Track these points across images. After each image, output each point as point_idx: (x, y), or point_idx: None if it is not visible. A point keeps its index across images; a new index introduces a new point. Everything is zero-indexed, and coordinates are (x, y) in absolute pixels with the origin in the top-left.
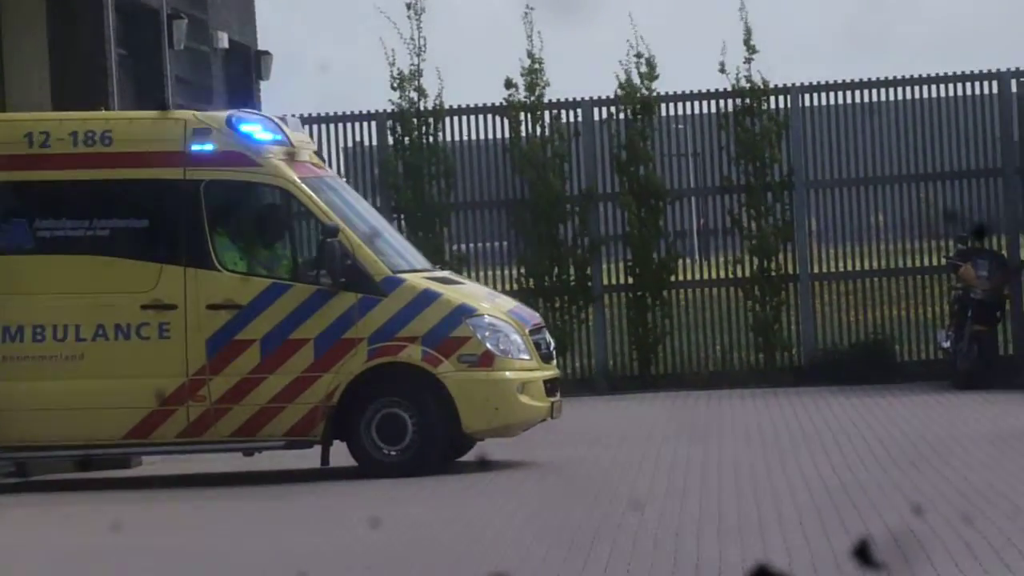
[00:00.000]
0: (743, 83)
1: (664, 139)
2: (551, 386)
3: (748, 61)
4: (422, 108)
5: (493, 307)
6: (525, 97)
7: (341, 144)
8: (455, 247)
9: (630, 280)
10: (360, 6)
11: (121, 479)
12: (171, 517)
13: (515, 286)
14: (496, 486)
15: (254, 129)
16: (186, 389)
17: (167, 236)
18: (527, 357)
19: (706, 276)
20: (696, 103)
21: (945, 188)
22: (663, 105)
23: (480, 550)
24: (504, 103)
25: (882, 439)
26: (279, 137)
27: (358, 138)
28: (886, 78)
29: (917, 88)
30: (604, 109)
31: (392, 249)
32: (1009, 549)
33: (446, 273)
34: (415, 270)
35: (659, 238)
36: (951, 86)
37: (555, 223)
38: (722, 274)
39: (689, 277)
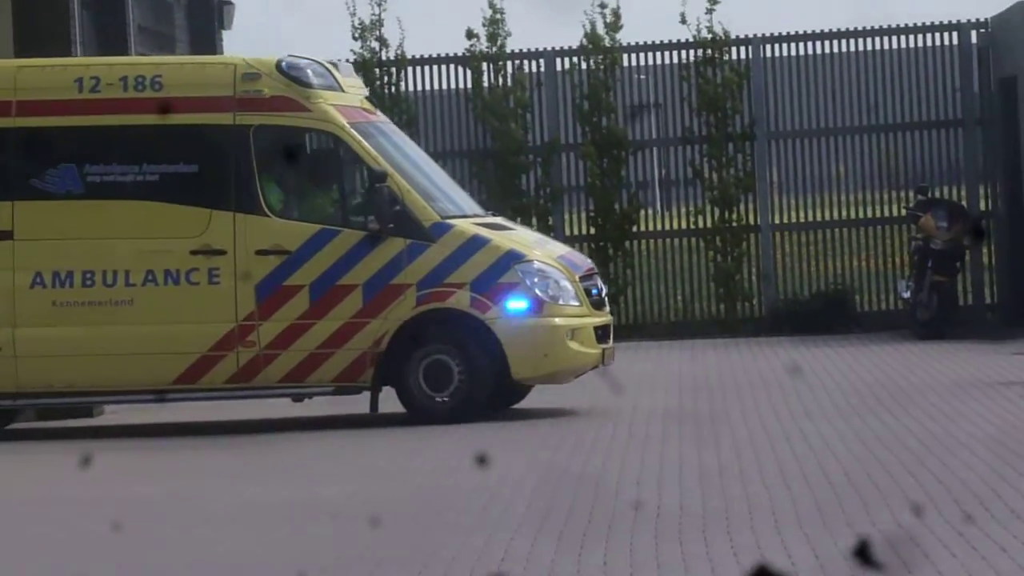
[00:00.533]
0: (704, 34)
1: (627, 89)
2: (602, 332)
3: (710, 12)
4: (384, 58)
5: (543, 253)
6: (487, 47)
7: None
8: None
9: (592, 231)
10: None
11: (86, 428)
12: (135, 467)
13: None
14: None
15: (304, 74)
16: (235, 334)
17: (216, 181)
18: (577, 303)
19: (668, 227)
20: (658, 54)
21: (905, 139)
22: (625, 56)
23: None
24: (466, 53)
25: (842, 388)
26: (329, 82)
27: None
28: (846, 29)
29: (878, 39)
30: (567, 59)
31: (442, 194)
32: (961, 489)
33: (497, 219)
34: (465, 216)
35: (621, 189)
36: (912, 37)
37: (517, 173)
38: (684, 225)
39: (651, 228)
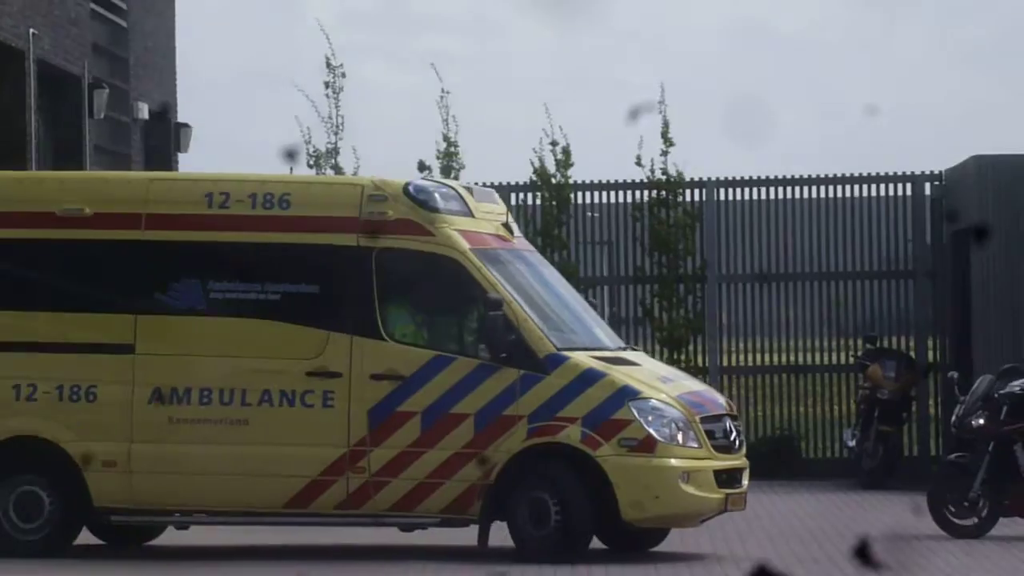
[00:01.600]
0: (659, 175)
1: (579, 227)
2: (727, 477)
3: (664, 154)
4: None
5: (662, 390)
6: (441, 176)
7: None
8: None
9: None
10: (279, 84)
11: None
12: None
13: None
14: None
15: (430, 197)
16: (346, 460)
17: (336, 303)
18: (695, 445)
19: None
20: (611, 193)
21: (856, 287)
22: (578, 193)
23: None
24: None
25: (784, 533)
26: (458, 206)
27: None
28: (801, 176)
29: (832, 187)
30: (520, 194)
31: (566, 325)
32: None
33: (631, 353)
34: (587, 348)
35: None
36: (867, 186)
37: None
38: None
39: None
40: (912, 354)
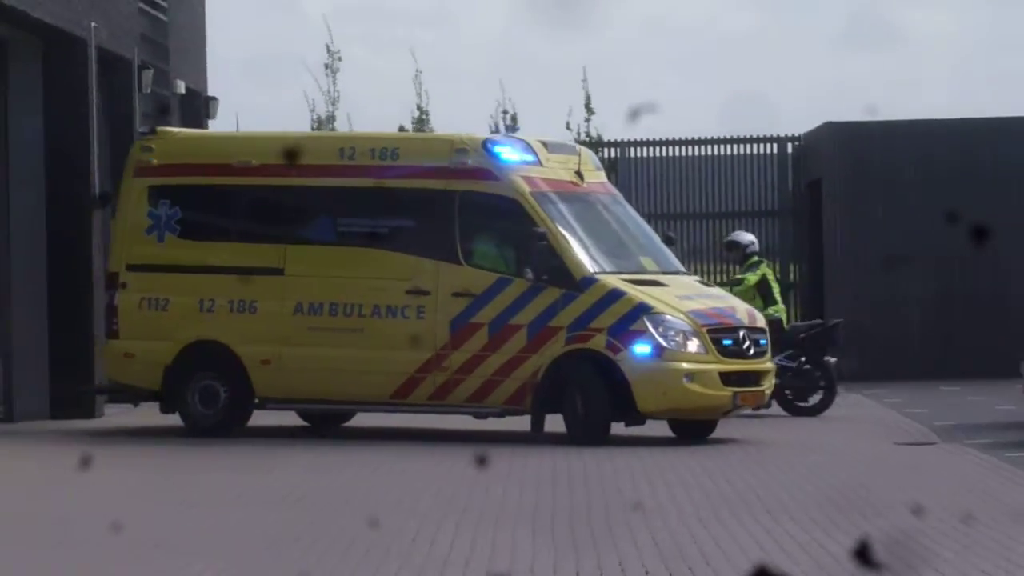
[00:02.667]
0: (583, 137)
1: None
2: (737, 378)
3: (587, 120)
4: None
5: (672, 306)
6: None
7: None
8: None
9: None
10: (287, 65)
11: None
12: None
13: None
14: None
15: (504, 151)
16: (433, 361)
17: (428, 235)
18: (700, 351)
19: None
20: None
21: (736, 224)
22: None
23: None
24: None
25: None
26: (528, 157)
27: None
28: (694, 137)
29: (718, 146)
30: None
31: (611, 253)
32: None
33: (668, 276)
34: (624, 272)
35: None
36: (744, 146)
37: None
38: None
39: None
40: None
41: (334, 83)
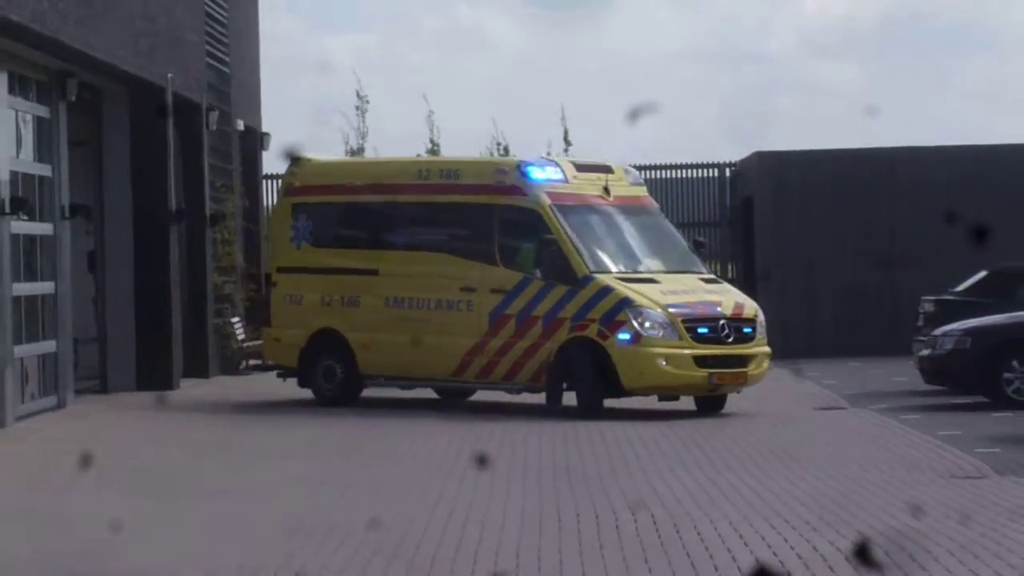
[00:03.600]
0: None
1: None
2: (713, 361)
3: (566, 151)
4: None
5: (652, 301)
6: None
7: None
8: None
9: None
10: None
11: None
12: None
13: None
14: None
15: (534, 171)
16: (478, 346)
17: (475, 241)
18: (673, 337)
19: None
20: None
21: (691, 232)
22: None
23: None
24: None
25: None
26: (555, 176)
27: None
28: (656, 163)
29: (674, 171)
30: None
31: (616, 256)
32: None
33: (665, 275)
34: (621, 272)
35: None
36: (694, 170)
37: None
38: None
39: None
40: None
41: (363, 121)
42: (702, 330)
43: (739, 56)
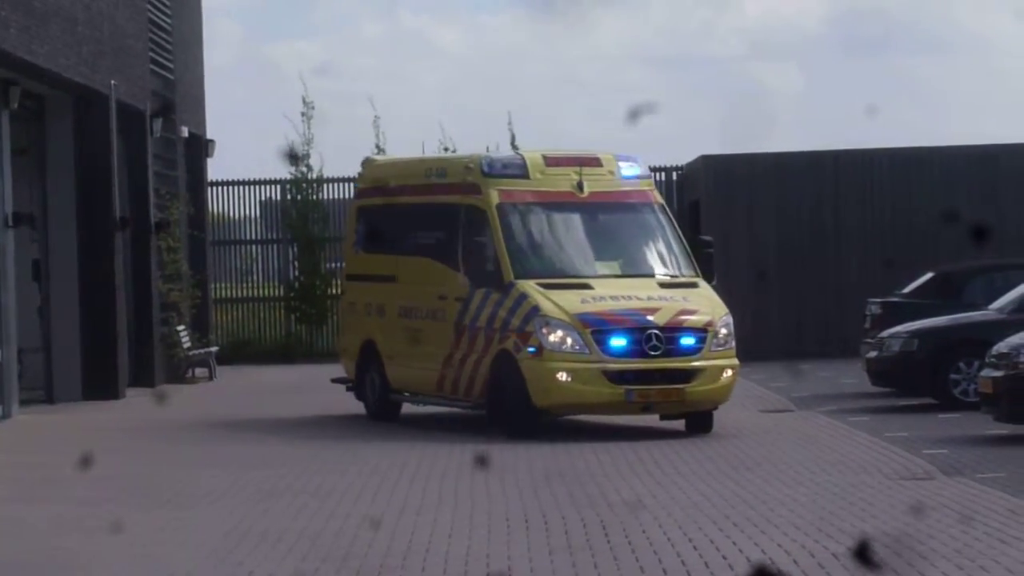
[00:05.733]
0: None
1: None
2: (634, 376)
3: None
4: (309, 178)
5: (561, 308)
6: None
7: (260, 198)
8: (328, 264)
9: None
10: (272, 110)
11: None
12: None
13: None
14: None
15: (488, 166)
16: (447, 359)
17: (448, 245)
18: (579, 350)
19: None
20: None
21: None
22: None
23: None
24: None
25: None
26: (514, 171)
27: (270, 194)
28: None
29: None
30: None
31: (558, 259)
32: None
33: (601, 280)
34: (556, 276)
35: None
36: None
37: None
38: None
39: None
40: None
41: (309, 128)
42: (617, 342)
43: (686, 60)
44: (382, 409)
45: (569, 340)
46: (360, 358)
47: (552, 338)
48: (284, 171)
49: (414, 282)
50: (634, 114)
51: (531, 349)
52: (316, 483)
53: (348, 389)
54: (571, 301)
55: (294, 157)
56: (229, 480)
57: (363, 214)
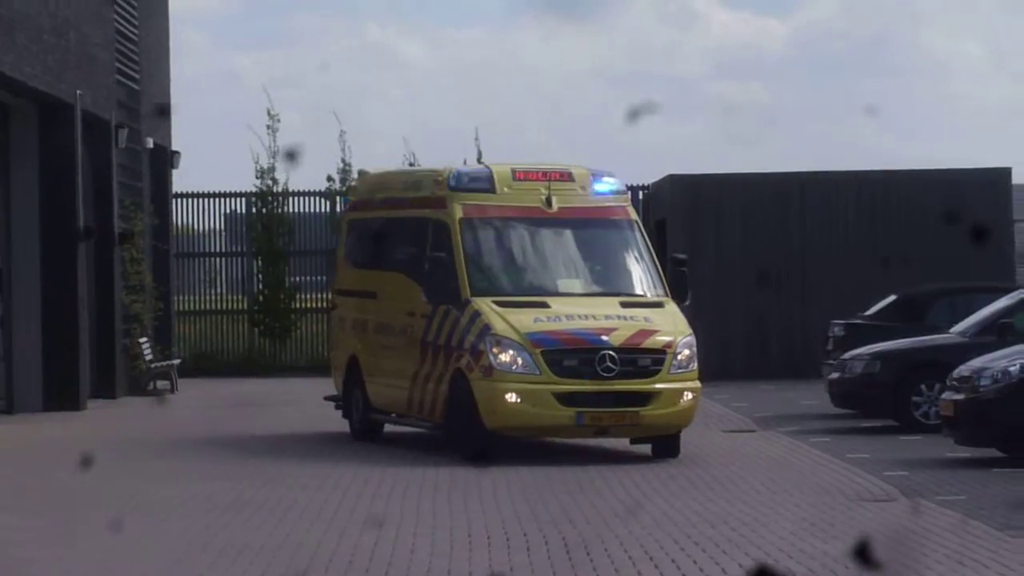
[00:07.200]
0: None
1: None
2: (584, 398)
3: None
4: (275, 191)
5: (512, 327)
6: (340, 187)
7: (224, 211)
8: (292, 277)
9: None
10: (236, 122)
11: None
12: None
13: (328, 305)
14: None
15: (457, 180)
16: (414, 378)
17: (416, 259)
18: (531, 371)
19: None
20: None
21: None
22: None
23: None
24: (327, 190)
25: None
26: (480, 185)
27: (235, 207)
28: None
29: None
30: None
31: (509, 276)
32: None
33: (558, 299)
34: (498, 294)
35: None
36: None
37: None
38: None
39: None
40: None
41: (274, 140)
42: (568, 363)
43: (648, 77)
44: (364, 428)
45: (519, 360)
46: (347, 375)
47: (502, 358)
48: (249, 183)
49: (390, 298)
50: (634, 114)
51: (482, 369)
52: (277, 497)
53: (337, 407)
54: (524, 320)
55: (292, 156)
56: (189, 493)
57: (353, 227)
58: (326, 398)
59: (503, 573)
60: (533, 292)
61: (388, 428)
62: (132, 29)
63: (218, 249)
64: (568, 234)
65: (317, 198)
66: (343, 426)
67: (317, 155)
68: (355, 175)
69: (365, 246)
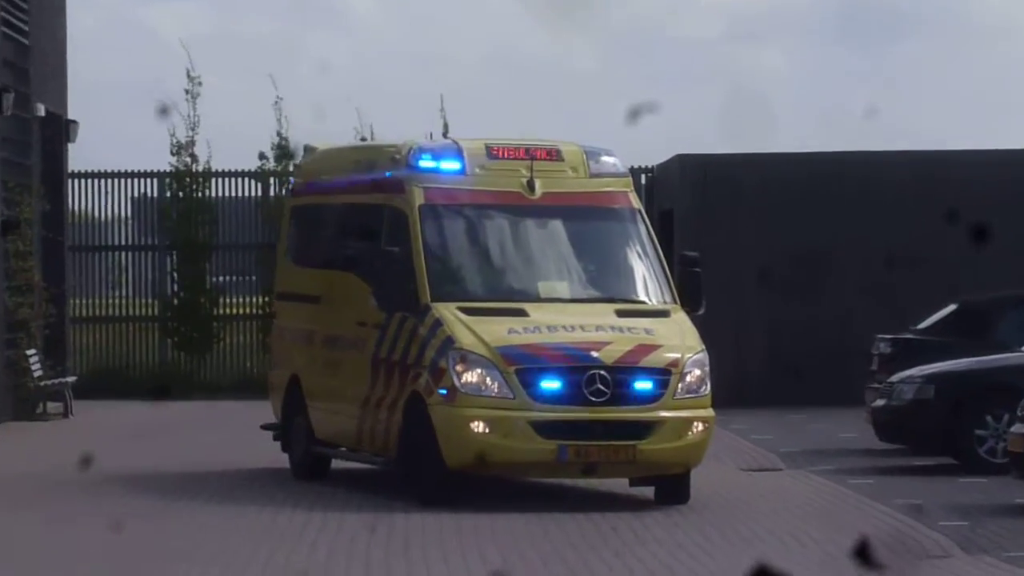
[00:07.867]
0: None
1: None
2: (568, 428)
3: None
4: (195, 170)
5: (480, 340)
6: (275, 166)
7: (132, 194)
8: (215, 277)
9: None
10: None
11: None
12: None
13: (260, 311)
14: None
15: (419, 158)
16: (364, 403)
17: (369, 256)
18: (500, 394)
19: None
20: None
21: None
22: None
23: None
24: (258, 170)
25: None
26: (451, 167)
27: (144, 190)
28: None
29: None
30: None
31: (480, 277)
32: None
33: (537, 304)
34: (463, 300)
35: None
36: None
37: None
38: None
39: None
40: None
41: (194, 109)
42: (549, 384)
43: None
44: (308, 464)
45: (488, 380)
46: (287, 399)
47: (468, 378)
48: (163, 161)
49: (339, 304)
50: (634, 114)
51: (442, 391)
52: (190, 546)
53: (275, 438)
54: (496, 331)
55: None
56: (86, 541)
57: (296, 216)
58: (263, 427)
59: (505, 572)
60: (508, 297)
61: (338, 464)
62: None
63: (124, 241)
64: (554, 225)
65: (247, 179)
66: (282, 461)
67: (247, 127)
68: (299, 153)
69: (310, 239)
